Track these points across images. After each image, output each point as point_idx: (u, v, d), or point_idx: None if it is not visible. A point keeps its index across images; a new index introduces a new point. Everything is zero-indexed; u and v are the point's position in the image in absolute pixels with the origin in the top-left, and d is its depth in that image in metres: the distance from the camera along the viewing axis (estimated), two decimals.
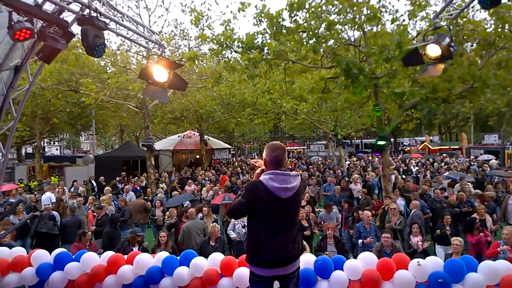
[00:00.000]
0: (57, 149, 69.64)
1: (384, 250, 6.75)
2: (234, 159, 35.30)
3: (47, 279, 5.72)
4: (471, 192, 11.09)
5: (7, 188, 12.98)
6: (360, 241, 7.84)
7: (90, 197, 11.86)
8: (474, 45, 10.78)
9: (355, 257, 6.02)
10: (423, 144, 39.94)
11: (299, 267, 3.65)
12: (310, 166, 23.57)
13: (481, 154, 27.89)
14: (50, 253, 5.97)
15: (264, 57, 10.58)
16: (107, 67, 18.87)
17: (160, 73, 6.03)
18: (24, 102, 5.93)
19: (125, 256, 5.81)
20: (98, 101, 16.13)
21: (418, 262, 4.95)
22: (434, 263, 5.03)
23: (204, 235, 8.12)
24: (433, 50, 6.04)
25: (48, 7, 4.79)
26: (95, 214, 10.10)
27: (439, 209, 9.49)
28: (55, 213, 9.79)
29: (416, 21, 11.59)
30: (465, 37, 10.27)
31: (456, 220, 9.32)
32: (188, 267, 5.40)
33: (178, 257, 5.64)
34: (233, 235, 8.66)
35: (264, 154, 3.52)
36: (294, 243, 3.47)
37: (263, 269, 3.43)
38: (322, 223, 9.11)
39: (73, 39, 4.90)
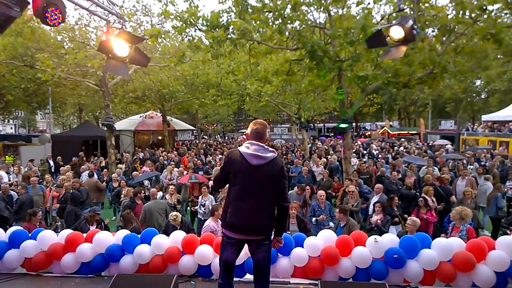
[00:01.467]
0: (11, 128, 66.34)
1: (339, 224, 7.11)
2: (197, 141, 34.99)
3: (2, 257, 5.51)
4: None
5: None
6: (314, 219, 8.07)
7: (47, 176, 11.47)
8: (436, 30, 11.06)
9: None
10: (383, 129, 41.12)
11: (270, 238, 3.79)
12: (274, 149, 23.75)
13: (435, 140, 29.07)
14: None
15: (229, 36, 10.44)
16: (64, 42, 17.96)
17: (121, 47, 5.82)
18: None
19: (84, 235, 5.67)
20: (55, 77, 15.40)
21: (375, 239, 5.12)
22: (390, 240, 5.22)
23: (166, 215, 8.04)
24: (397, 32, 6.14)
25: None
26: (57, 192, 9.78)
27: (395, 191, 9.80)
28: (13, 193, 9.39)
29: (380, 5, 11.75)
30: (426, 23, 10.50)
31: (412, 202, 9.73)
32: (150, 245, 5.35)
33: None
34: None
35: (248, 129, 3.81)
36: (261, 214, 3.61)
37: (230, 231, 3.68)
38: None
39: (29, 12, 4.60)
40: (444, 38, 10.89)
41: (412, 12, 6.75)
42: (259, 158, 3.57)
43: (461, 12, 10.05)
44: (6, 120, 54.39)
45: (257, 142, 3.64)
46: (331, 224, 7.94)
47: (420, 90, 28.22)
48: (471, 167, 14.33)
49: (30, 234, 5.72)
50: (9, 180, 11.58)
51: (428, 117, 42.57)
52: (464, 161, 15.30)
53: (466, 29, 10.37)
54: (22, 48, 15.70)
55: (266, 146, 3.65)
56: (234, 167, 3.64)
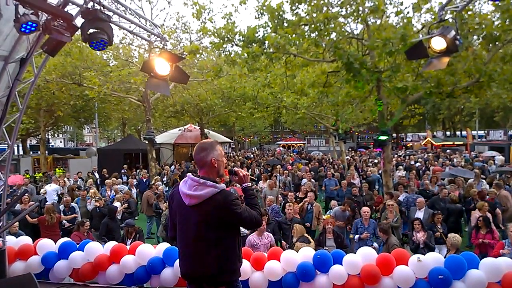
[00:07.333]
0: (61, 142, 69.65)
1: (382, 241, 6.87)
2: (235, 153, 35.35)
3: (52, 267, 5.81)
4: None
5: (14, 180, 13.12)
6: (356, 236, 7.73)
7: (92, 190, 11.91)
8: (480, 38, 10.64)
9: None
10: (426, 140, 39.79)
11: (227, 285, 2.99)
12: (311, 161, 23.67)
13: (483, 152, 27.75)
14: None
15: (265, 50, 10.55)
16: (109, 61, 18.85)
17: (162, 66, 6.01)
18: (29, 95, 5.92)
19: (128, 247, 5.89)
20: (101, 94, 16.17)
21: (418, 258, 4.94)
22: (435, 259, 5.02)
23: None
24: (438, 43, 5.88)
25: (53, 0, 4.79)
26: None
27: (441, 209, 8.99)
28: (74, 205, 10.10)
29: (421, 14, 11.45)
30: (470, 31, 10.12)
31: (459, 216, 9.27)
32: None
33: None
34: None
35: None
36: (204, 261, 2.92)
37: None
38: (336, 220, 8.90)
39: (77, 32, 4.89)
40: (490, 46, 10.42)
41: (454, 22, 6.50)
42: (190, 197, 2.91)
43: (507, 20, 9.61)
44: (56, 134, 57.39)
45: (192, 177, 2.97)
46: (375, 244, 7.45)
47: (466, 99, 27.06)
48: None
49: (78, 245, 6.00)
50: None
51: (476, 127, 40.71)
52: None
53: None
54: (71, 67, 16.64)
55: (202, 181, 2.91)
56: (174, 206, 3.11)
